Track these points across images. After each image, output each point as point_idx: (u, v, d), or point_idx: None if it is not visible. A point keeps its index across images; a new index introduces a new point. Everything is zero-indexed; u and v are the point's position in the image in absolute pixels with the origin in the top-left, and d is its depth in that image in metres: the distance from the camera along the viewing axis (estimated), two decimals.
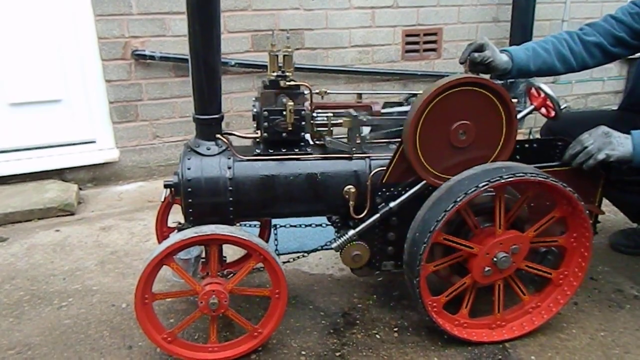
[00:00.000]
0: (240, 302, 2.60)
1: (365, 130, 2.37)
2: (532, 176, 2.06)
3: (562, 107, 2.53)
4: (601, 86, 6.00)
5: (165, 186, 2.25)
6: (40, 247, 3.27)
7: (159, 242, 2.72)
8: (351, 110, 2.31)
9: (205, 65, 2.13)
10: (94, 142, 4.34)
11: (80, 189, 4.17)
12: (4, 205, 3.68)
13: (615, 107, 5.84)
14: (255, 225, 2.92)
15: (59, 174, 4.19)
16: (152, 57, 4.15)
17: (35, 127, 4.16)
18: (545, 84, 2.55)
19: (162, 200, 2.58)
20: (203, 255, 2.36)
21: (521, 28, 5.00)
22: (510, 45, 5.06)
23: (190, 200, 2.19)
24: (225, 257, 2.58)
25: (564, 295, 2.34)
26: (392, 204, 2.23)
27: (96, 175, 4.33)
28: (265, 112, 2.19)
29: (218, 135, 2.26)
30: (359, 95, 2.57)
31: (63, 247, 3.27)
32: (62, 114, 4.21)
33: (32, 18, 3.93)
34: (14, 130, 4.11)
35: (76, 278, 2.91)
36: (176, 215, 2.64)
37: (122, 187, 4.30)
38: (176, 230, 2.36)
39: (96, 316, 2.56)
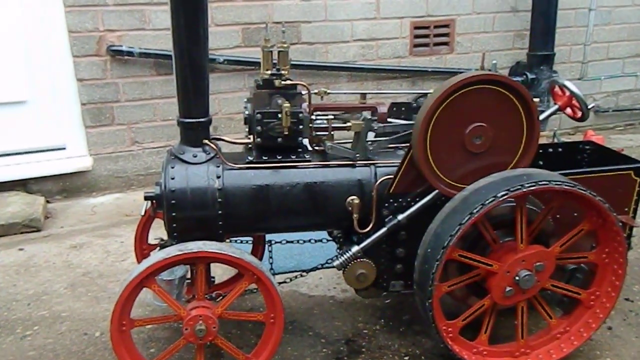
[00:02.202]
0: (231, 328, 2.60)
1: (370, 134, 2.40)
2: (557, 184, 2.08)
3: (589, 107, 2.57)
4: (634, 82, 6.05)
5: (146, 198, 2.27)
6: (1, 268, 3.27)
7: (139, 261, 2.73)
8: (365, 113, 2.34)
9: (190, 63, 2.16)
10: (63, 148, 4.36)
11: (47, 201, 4.18)
12: None
13: None
14: (247, 242, 2.93)
15: (23, 184, 4.21)
16: (130, 53, 4.18)
17: None
18: (570, 81, 2.59)
19: (142, 214, 2.60)
20: (188, 275, 2.37)
21: (543, 18, 5.06)
22: (531, 38, 5.16)
23: (174, 214, 2.21)
24: (213, 277, 2.60)
25: (596, 318, 2.35)
26: (400, 217, 2.25)
27: (66, 186, 4.34)
28: (259, 115, 2.22)
29: (205, 141, 2.28)
30: (363, 95, 2.61)
31: (27, 268, 3.27)
32: (27, 117, 4.23)
33: None
34: None
35: (42, 303, 2.91)
36: (158, 231, 2.65)
37: (95, 200, 4.31)
38: (158, 248, 2.37)
39: (65, 347, 2.56)
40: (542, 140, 2.34)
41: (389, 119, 2.51)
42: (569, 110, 2.65)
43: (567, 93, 2.60)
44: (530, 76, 5.15)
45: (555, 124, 5.41)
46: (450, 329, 2.22)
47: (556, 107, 2.67)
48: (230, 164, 2.27)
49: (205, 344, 2.15)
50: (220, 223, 2.24)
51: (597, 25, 5.62)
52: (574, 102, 2.59)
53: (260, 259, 2.87)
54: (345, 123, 2.36)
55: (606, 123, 6.02)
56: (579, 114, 2.60)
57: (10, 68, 4.09)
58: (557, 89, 2.68)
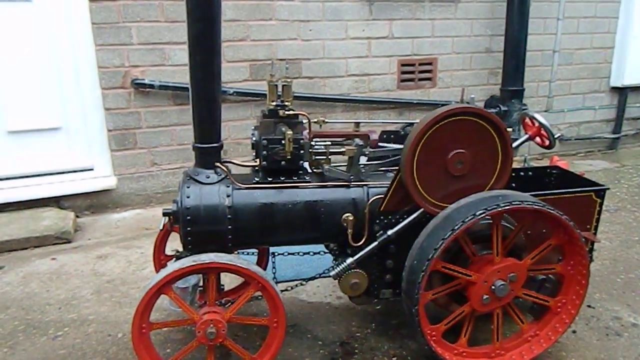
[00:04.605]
0: (238, 330, 2.57)
1: (362, 159, 2.40)
2: (528, 204, 2.08)
3: (555, 136, 2.58)
4: (593, 115, 6.09)
5: (164, 214, 2.25)
6: (36, 276, 3.24)
7: (157, 270, 2.71)
8: (357, 140, 2.34)
9: (205, 95, 2.17)
10: (91, 169, 4.35)
11: (77, 216, 4.15)
12: (0, 233, 3.66)
13: (607, 135, 5.94)
14: (253, 253, 2.91)
15: (56, 201, 4.19)
16: (151, 86, 4.20)
17: (33, 155, 4.17)
18: (538, 113, 2.60)
19: (161, 228, 2.58)
20: (201, 283, 2.34)
21: (514, 58, 5.11)
22: (503, 75, 5.20)
23: (189, 229, 2.19)
24: (223, 285, 2.57)
25: (563, 323, 2.34)
26: (390, 232, 2.24)
27: (93, 202, 4.32)
28: (265, 141, 2.22)
29: (217, 164, 2.28)
30: (356, 124, 2.61)
31: (59, 276, 3.24)
32: (60, 142, 4.23)
33: (32, 47, 3.98)
34: (12, 158, 4.12)
35: (72, 307, 2.88)
36: (174, 243, 2.63)
37: (119, 215, 4.29)
38: (174, 259, 2.35)
39: (92, 346, 2.52)
40: (514, 165, 2.34)
41: (380, 144, 2.51)
42: (538, 139, 2.65)
43: (537, 124, 2.61)
44: (503, 108, 5.17)
45: (525, 150, 5.44)
46: (434, 333, 2.20)
47: (527, 136, 2.67)
48: (239, 184, 2.26)
49: (216, 345, 2.12)
50: (229, 237, 2.23)
51: (560, 65, 5.67)
52: (542, 132, 2.60)
53: (265, 269, 2.85)
54: (340, 148, 2.36)
55: (569, 150, 6.05)
56: (547, 142, 2.60)
57: (47, 99, 4.10)
58: (527, 120, 2.69)
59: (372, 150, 2.40)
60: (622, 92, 6.07)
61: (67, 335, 2.62)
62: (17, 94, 4.02)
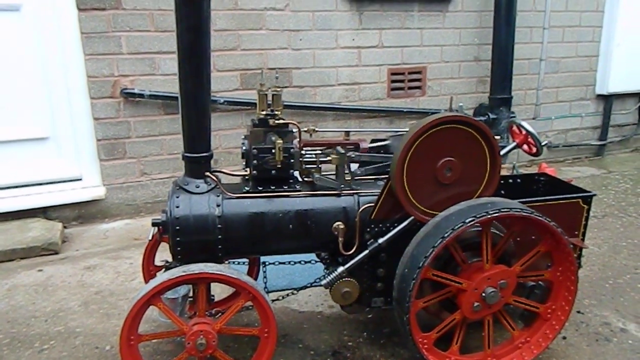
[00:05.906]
0: (229, 341, 2.55)
1: (354, 167, 2.40)
2: (517, 211, 2.09)
3: (543, 144, 2.60)
4: (580, 122, 6.17)
5: (153, 224, 2.23)
6: (22, 288, 3.19)
7: (146, 281, 2.68)
8: (339, 148, 2.35)
9: (195, 105, 2.16)
10: (80, 179, 4.31)
11: (65, 227, 4.10)
12: None
13: (593, 142, 6.02)
14: (243, 263, 2.89)
15: (43, 212, 4.14)
16: (141, 95, 4.18)
17: (21, 165, 4.12)
18: (526, 121, 2.63)
19: (150, 238, 2.57)
20: (191, 294, 2.32)
21: (501, 67, 5.17)
22: (492, 83, 5.26)
23: (178, 239, 2.17)
24: (213, 295, 2.55)
25: (553, 329, 2.34)
26: (380, 240, 2.24)
27: (82, 213, 4.28)
28: (255, 150, 2.22)
29: (207, 173, 2.27)
30: (347, 132, 2.62)
31: (45, 288, 3.19)
32: (48, 152, 4.19)
33: (21, 56, 3.95)
34: None
35: (59, 319, 2.83)
36: (163, 254, 2.61)
37: (108, 225, 4.25)
38: (163, 269, 2.33)
39: (79, 359, 2.48)
40: (503, 172, 2.36)
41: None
42: (525, 147, 2.68)
43: (524, 132, 2.64)
44: (491, 116, 5.22)
45: (513, 157, 5.48)
46: (425, 341, 2.19)
47: (514, 144, 2.69)
48: (229, 193, 2.25)
49: (206, 357, 2.10)
50: (219, 246, 2.21)
51: (547, 73, 5.75)
52: (530, 139, 2.62)
53: (255, 278, 2.83)
54: (325, 157, 2.36)
55: (557, 157, 6.11)
56: (534, 150, 2.63)
57: (35, 109, 4.07)
58: (515, 128, 2.71)
59: (360, 155, 2.40)
60: (607, 100, 6.16)
61: (53, 348, 2.58)
62: (4, 103, 3.98)
